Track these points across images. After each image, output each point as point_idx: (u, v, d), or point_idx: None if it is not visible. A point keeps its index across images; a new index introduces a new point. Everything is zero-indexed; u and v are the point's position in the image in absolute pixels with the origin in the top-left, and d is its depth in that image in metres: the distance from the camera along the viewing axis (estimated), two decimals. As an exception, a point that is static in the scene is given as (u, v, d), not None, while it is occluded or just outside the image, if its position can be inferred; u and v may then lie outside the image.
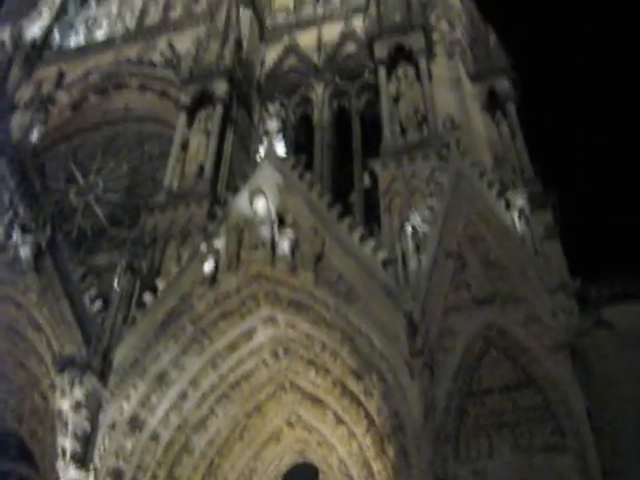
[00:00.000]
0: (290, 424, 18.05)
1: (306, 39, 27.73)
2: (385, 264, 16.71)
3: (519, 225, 16.45)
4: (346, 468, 16.88)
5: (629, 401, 15.02)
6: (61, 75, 31.02)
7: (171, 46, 29.51)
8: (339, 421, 17.02)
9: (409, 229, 16.73)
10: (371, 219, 19.95)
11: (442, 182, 17.59)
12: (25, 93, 30.81)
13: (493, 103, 22.88)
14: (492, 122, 22.41)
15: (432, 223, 16.79)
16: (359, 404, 16.39)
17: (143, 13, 33.36)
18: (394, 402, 14.81)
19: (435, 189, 17.69)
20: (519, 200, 16.83)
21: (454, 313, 15.39)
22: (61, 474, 15.73)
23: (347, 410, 16.75)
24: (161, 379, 16.97)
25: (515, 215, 16.65)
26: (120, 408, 16.48)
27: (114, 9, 34.64)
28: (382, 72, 22.27)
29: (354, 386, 16.36)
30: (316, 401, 17.56)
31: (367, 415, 16.15)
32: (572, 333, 14.61)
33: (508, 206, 16.83)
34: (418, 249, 16.47)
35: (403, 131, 20.45)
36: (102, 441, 16.04)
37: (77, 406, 16.16)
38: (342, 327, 16.21)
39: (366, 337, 15.73)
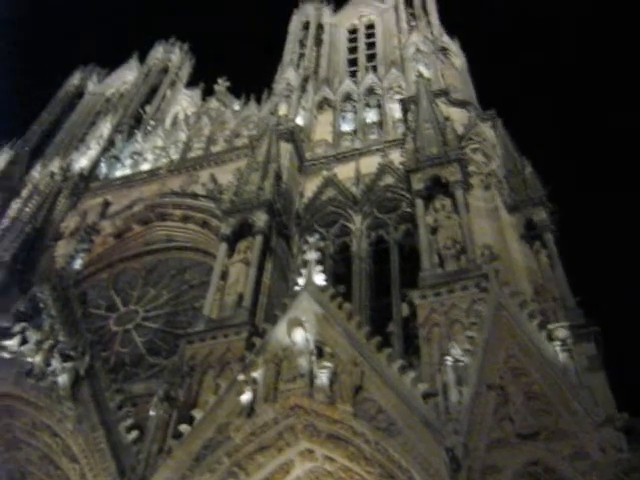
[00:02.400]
0: None
1: (344, 171, 28.39)
2: (425, 396, 16.37)
3: (562, 357, 16.14)
4: None
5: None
6: (106, 205, 32.06)
7: (213, 178, 30.46)
8: None
9: (449, 361, 16.49)
10: (410, 350, 19.75)
11: (482, 313, 17.45)
12: (71, 222, 31.85)
13: (531, 233, 22.92)
14: (530, 252, 22.33)
15: (473, 354, 16.53)
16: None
17: (187, 147, 34.70)
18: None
19: (475, 320, 17.55)
20: (561, 332, 16.58)
21: (498, 448, 14.93)
22: None
23: None
24: (196, 513, 16.52)
25: (557, 347, 16.37)
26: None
27: (159, 142, 36.08)
28: (419, 204, 22.60)
29: (392, 525, 15.74)
30: (356, 539, 16.88)
31: None
32: (621, 469, 14.05)
33: (550, 338, 16.57)
34: (459, 381, 16.15)
35: (441, 262, 20.49)
36: None
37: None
38: (382, 462, 15.74)
39: (407, 473, 15.25)
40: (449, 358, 16.59)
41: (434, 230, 21.53)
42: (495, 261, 19.02)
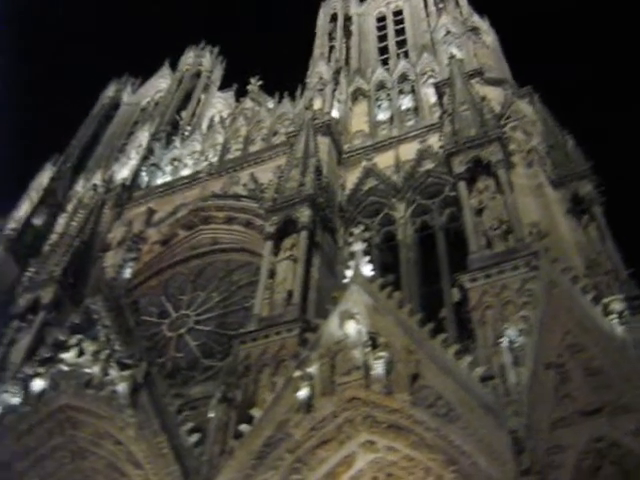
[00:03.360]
0: None
1: (384, 160, 28.31)
2: (483, 380, 16.21)
3: (619, 331, 15.83)
4: None
5: None
6: (150, 213, 32.39)
7: (254, 178, 30.59)
8: None
9: (505, 342, 16.30)
10: (464, 334, 19.57)
11: (535, 292, 17.21)
12: (117, 233, 32.26)
13: (578, 207, 22.57)
14: (579, 226, 21.97)
15: (528, 334, 16.28)
16: (471, 529, 15.60)
17: (225, 149, 34.88)
18: (508, 525, 14.08)
19: (528, 299, 17.31)
20: (617, 305, 16.26)
21: (560, 427, 14.67)
22: None
23: (459, 536, 15.94)
24: (262, 512, 16.58)
25: (614, 321, 16.07)
26: None
27: (197, 147, 36.37)
28: (462, 186, 22.39)
29: (463, 510, 15.62)
30: (425, 528, 16.81)
31: (482, 541, 15.34)
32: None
33: (606, 311, 16.27)
34: (516, 362, 15.94)
35: (489, 243, 20.27)
36: None
37: (179, 542, 15.90)
38: (444, 449, 15.60)
39: (470, 458, 15.10)
40: (504, 340, 16.38)
41: (479, 212, 21.32)
42: (544, 238, 18.77)
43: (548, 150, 24.25)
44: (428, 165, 26.76)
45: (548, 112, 26.46)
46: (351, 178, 28.10)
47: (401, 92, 33.04)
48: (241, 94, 42.03)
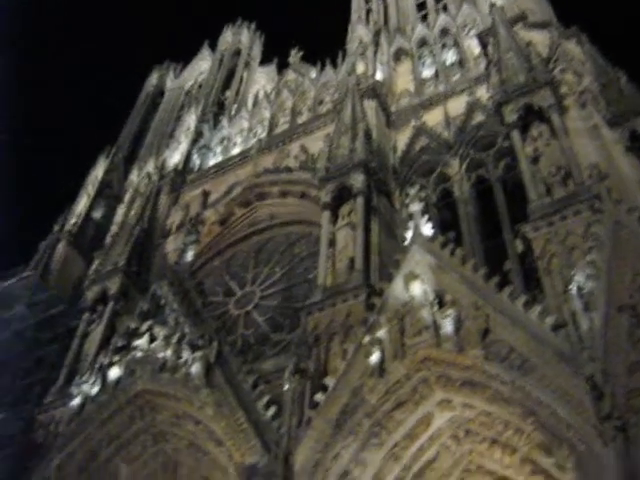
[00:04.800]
0: (484, 508, 17.29)
1: (433, 117, 27.96)
2: (555, 328, 15.97)
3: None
4: None
5: None
6: (206, 195, 32.64)
7: (304, 149, 30.54)
8: (536, 500, 16.16)
9: (574, 289, 16.02)
10: (531, 285, 19.33)
11: (600, 235, 16.90)
12: (175, 217, 32.63)
13: (637, 144, 21.95)
14: (639, 164, 21.46)
15: (597, 278, 16.01)
16: (554, 480, 15.52)
17: (273, 123, 34.83)
18: (591, 473, 13.92)
19: (594, 243, 16.99)
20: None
21: (638, 371, 14.42)
22: None
23: (542, 488, 15.88)
24: (344, 478, 16.74)
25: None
26: (309, 511, 16.31)
27: (245, 124, 36.41)
28: (516, 135, 22.01)
29: (545, 461, 15.50)
30: (507, 482, 16.77)
31: (565, 490, 15.25)
32: None
33: (676, 250, 15.90)
34: (587, 308, 15.67)
35: (548, 190, 19.89)
36: None
37: (266, 514, 16.14)
38: (522, 401, 15.51)
39: (549, 408, 14.99)
40: (573, 286, 16.10)
41: (535, 159, 20.95)
42: (605, 180, 18.43)
43: (601, 89, 23.59)
44: (478, 118, 26.33)
45: (597, 51, 25.74)
46: (402, 139, 27.82)
47: (444, 47, 32.52)
48: (282, 67, 41.90)
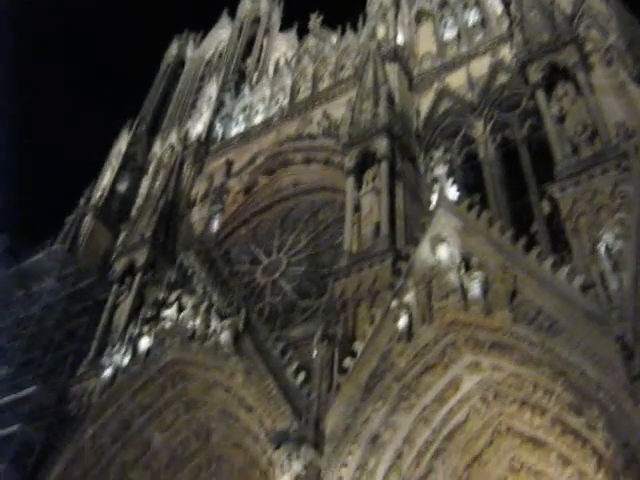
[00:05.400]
0: (514, 470, 17.28)
1: (456, 79, 27.65)
2: (584, 289, 15.83)
3: None
4: (584, 508, 15.94)
5: None
6: (229, 164, 32.63)
7: (326, 115, 30.37)
8: (565, 461, 16.18)
9: (602, 248, 15.85)
10: (558, 246, 19.17)
11: (628, 193, 16.70)
12: (200, 187, 32.71)
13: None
14: (667, 121, 21.10)
15: (626, 237, 15.85)
16: (584, 440, 15.50)
17: (294, 90, 34.60)
18: (621, 433, 13.86)
19: (622, 202, 16.80)
20: None
21: (669, 328, 14.34)
22: None
23: (572, 448, 15.89)
24: (375, 442, 16.83)
25: None
26: (339, 476, 16.43)
27: (267, 92, 36.21)
28: (541, 95, 21.74)
29: (575, 422, 15.52)
30: (537, 443, 16.78)
31: (595, 451, 15.25)
32: None
33: None
34: (616, 267, 15.51)
35: (575, 149, 19.67)
36: (327, 510, 16.04)
37: (298, 479, 16.27)
38: (551, 362, 15.46)
39: (578, 369, 14.90)
40: (601, 246, 15.93)
41: (561, 119, 20.71)
42: (632, 137, 18.19)
43: (627, 46, 23.16)
44: (502, 78, 25.97)
45: (623, 6, 25.25)
46: (425, 102, 27.57)
47: (465, 7, 31.96)
48: (303, 33, 41.47)
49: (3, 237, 31.51)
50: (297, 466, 16.37)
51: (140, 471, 21.93)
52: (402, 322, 17.35)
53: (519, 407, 16.81)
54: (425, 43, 31.33)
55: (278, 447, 16.97)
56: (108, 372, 23.00)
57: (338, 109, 29.91)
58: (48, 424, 23.62)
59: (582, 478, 15.80)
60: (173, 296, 23.28)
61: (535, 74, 22.17)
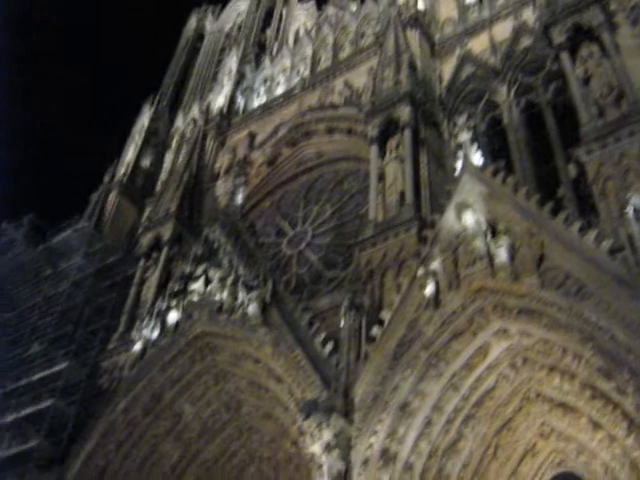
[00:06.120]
0: (543, 436, 17.38)
1: (478, 44, 27.35)
2: (612, 253, 15.66)
3: None
4: (613, 473, 15.93)
5: None
6: (252, 136, 32.55)
7: (348, 85, 30.15)
8: (595, 425, 16.17)
9: (631, 211, 15.67)
10: (585, 210, 18.98)
11: (657, 153, 16.46)
12: (223, 161, 32.70)
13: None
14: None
15: (656, 200, 15.68)
16: (614, 404, 15.47)
17: (315, 60, 34.36)
18: (653, 396, 13.85)
19: (650, 164, 16.59)
20: None
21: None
22: (326, 514, 16.00)
23: (602, 412, 15.87)
24: (404, 409, 16.90)
25: None
26: (369, 444, 16.52)
27: (287, 63, 36.00)
28: (565, 57, 21.42)
29: (605, 386, 15.46)
30: (566, 408, 16.81)
31: (625, 415, 15.22)
32: None
33: None
34: (644, 230, 15.38)
35: (601, 112, 19.37)
36: (358, 478, 16.15)
37: (328, 448, 16.38)
38: (580, 327, 15.36)
39: (607, 332, 14.80)
40: (629, 209, 15.79)
41: (586, 81, 20.40)
42: (660, 98, 17.85)
43: (653, 4, 22.72)
44: (526, 42, 25.60)
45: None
46: (447, 68, 27.28)
47: (487, -31, 31.45)
48: (322, 2, 41.11)
49: (30, 216, 31.83)
50: (327, 435, 16.48)
51: (172, 443, 22.20)
52: (429, 290, 17.32)
53: (548, 373, 16.81)
54: (446, 8, 30.89)
55: (308, 417, 17.07)
56: (138, 346, 23.22)
57: (360, 78, 29.72)
58: (80, 399, 23.98)
59: (612, 442, 15.80)
60: (200, 270, 23.37)
61: (559, 36, 21.84)
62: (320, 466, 16.41)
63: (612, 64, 20.19)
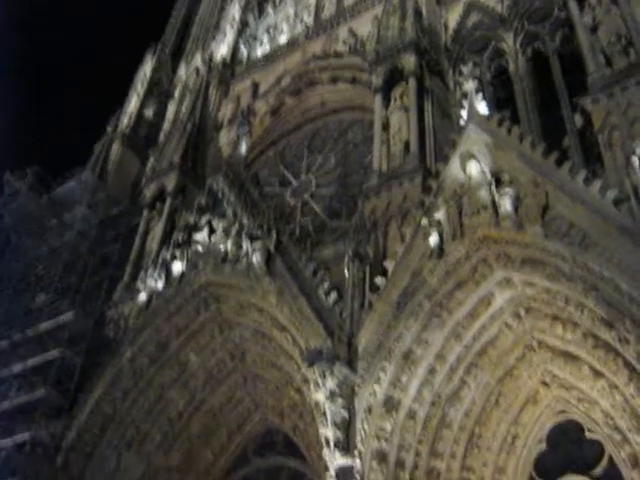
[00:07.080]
0: (545, 384, 17.57)
1: (485, -8, 26.80)
2: (617, 203, 15.59)
3: None
4: (613, 421, 16.15)
5: None
6: (255, 85, 32.29)
7: (352, 32, 29.76)
8: (597, 374, 16.32)
9: (636, 161, 15.60)
10: (591, 159, 18.88)
11: (664, 104, 16.30)
12: (226, 110, 32.49)
13: None
14: None
15: (661, 150, 15.56)
16: (616, 353, 15.58)
17: (319, 8, 33.85)
18: (654, 345, 13.95)
19: (658, 113, 16.44)
20: None
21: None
22: (328, 462, 16.24)
23: (603, 361, 16.01)
24: (407, 358, 17.06)
25: None
26: (373, 392, 16.70)
27: (291, 10, 35.45)
28: (573, 4, 21.07)
29: (607, 335, 15.55)
30: (568, 357, 16.97)
31: (626, 363, 15.33)
32: None
33: None
34: (650, 180, 15.31)
35: (608, 61, 19.08)
36: (361, 426, 16.34)
37: (332, 396, 16.57)
38: (583, 277, 15.39)
39: (611, 282, 14.83)
40: (635, 159, 15.69)
41: (594, 29, 20.03)
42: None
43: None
44: (533, -12, 25.14)
45: None
46: (453, 16, 26.80)
47: None
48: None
49: (34, 167, 31.76)
50: (331, 383, 16.64)
51: (178, 390, 22.47)
52: (433, 239, 17.31)
53: (551, 322, 16.92)
54: (452, -45, 30.31)
55: (312, 365, 17.25)
56: (143, 296, 23.35)
57: (364, 26, 29.28)
58: (87, 348, 24.21)
59: (613, 390, 15.95)
60: (204, 220, 23.36)
61: (567, -18, 21.46)
62: (324, 413, 16.64)
63: (621, 12, 19.75)
